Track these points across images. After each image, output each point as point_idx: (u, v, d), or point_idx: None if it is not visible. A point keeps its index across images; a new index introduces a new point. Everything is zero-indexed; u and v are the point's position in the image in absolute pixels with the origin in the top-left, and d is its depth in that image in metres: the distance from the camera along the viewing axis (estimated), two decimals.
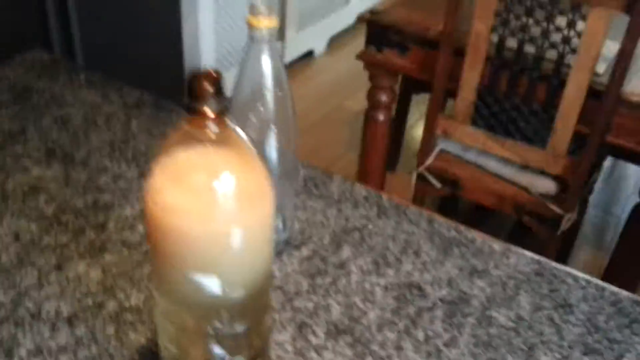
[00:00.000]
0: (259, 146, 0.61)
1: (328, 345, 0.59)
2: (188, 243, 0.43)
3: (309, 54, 2.82)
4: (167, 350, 0.51)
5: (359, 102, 2.61)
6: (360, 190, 0.77)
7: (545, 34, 1.27)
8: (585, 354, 0.59)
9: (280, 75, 0.58)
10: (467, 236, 0.72)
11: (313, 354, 0.57)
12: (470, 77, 1.39)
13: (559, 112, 1.32)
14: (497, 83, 1.40)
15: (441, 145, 1.56)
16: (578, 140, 1.36)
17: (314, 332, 0.60)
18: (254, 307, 0.48)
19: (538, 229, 1.50)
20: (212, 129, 0.41)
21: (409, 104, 2.15)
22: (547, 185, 1.46)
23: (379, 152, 1.73)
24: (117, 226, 0.69)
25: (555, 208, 1.44)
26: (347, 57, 2.86)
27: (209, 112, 0.40)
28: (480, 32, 1.33)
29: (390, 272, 0.67)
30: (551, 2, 1.24)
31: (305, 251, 0.69)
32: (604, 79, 1.28)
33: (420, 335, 0.60)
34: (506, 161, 1.49)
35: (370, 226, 0.73)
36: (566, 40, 1.25)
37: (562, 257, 1.81)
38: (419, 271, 0.67)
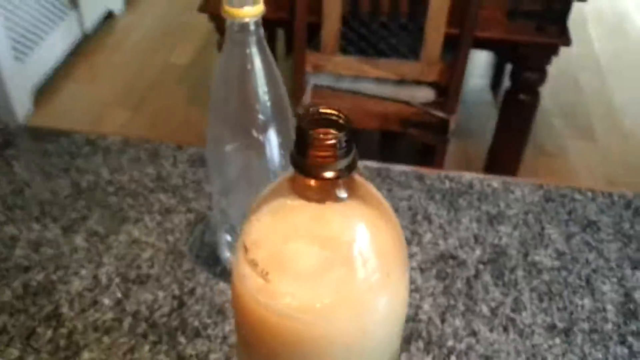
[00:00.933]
0: (260, 149, 0.48)
1: (402, 358, 0.51)
2: (312, 347, 0.31)
3: (109, 16, 2.51)
4: None
5: (185, 56, 2.41)
6: None
7: None
8: (635, 268, 0.59)
9: (272, 68, 0.46)
10: (461, 181, 0.67)
11: None
12: (332, 5, 1.31)
13: (427, 20, 1.30)
14: (359, 5, 1.33)
15: (312, 81, 1.48)
16: (447, 43, 1.36)
17: None
18: None
19: (427, 137, 1.52)
20: (339, 194, 0.29)
21: (274, 49, 2.02)
22: (426, 94, 1.46)
23: None
24: (75, 309, 0.53)
25: (439, 113, 1.45)
26: (150, 12, 2.60)
27: (334, 176, 0.28)
28: None
29: (415, 249, 0.60)
30: None
31: None
32: None
33: (485, 309, 0.55)
34: (382, 80, 1.46)
35: None
36: None
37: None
38: (442, 238, 0.61)
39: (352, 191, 0.30)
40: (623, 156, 2.02)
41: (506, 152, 1.60)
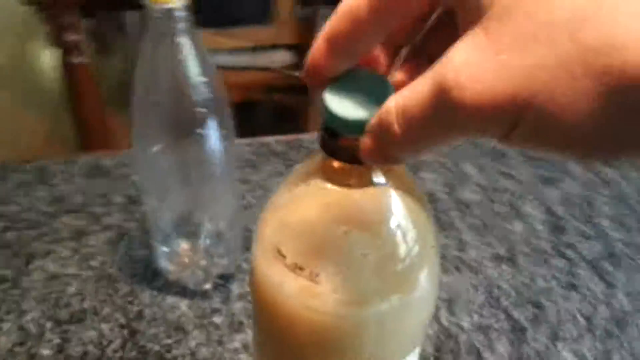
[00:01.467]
0: (198, 145, 0.44)
1: None
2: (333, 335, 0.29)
3: None
4: None
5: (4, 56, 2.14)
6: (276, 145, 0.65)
7: None
8: (546, 183, 0.63)
9: (205, 56, 0.41)
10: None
11: None
12: None
13: None
14: None
15: None
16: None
17: None
18: None
19: (292, 101, 1.51)
20: (376, 178, 0.27)
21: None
22: (284, 57, 1.45)
23: (94, 97, 1.47)
24: None
25: (299, 74, 1.45)
26: None
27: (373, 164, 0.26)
28: None
29: None
30: None
31: None
32: None
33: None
34: (237, 50, 1.42)
35: None
36: None
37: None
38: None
39: (387, 172, 0.28)
40: None
41: None
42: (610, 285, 0.52)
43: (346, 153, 0.26)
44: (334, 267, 0.28)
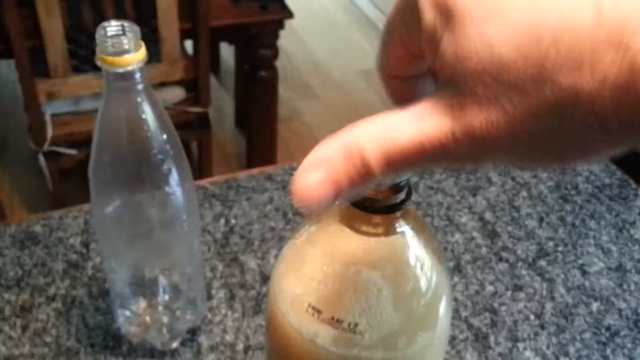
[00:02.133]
0: (162, 200, 0.43)
1: None
2: None
3: None
4: None
5: None
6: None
7: None
8: (474, 195, 0.68)
9: (162, 112, 0.41)
10: None
11: None
12: (51, 24, 1.17)
13: (159, 21, 1.26)
14: (81, 19, 1.22)
15: (49, 110, 1.32)
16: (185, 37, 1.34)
17: None
18: None
19: (191, 136, 1.49)
20: (399, 227, 0.28)
21: None
22: (176, 93, 1.43)
23: None
24: None
25: (196, 109, 1.44)
26: None
27: (398, 209, 0.27)
28: None
29: None
30: None
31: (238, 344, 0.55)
32: None
33: None
34: None
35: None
36: None
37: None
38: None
39: (407, 219, 0.29)
40: (343, 102, 2.25)
41: (263, 128, 1.65)
42: (550, 281, 0.58)
43: (373, 204, 0.27)
44: (369, 315, 0.29)
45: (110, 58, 0.36)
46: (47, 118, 1.31)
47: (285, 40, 2.52)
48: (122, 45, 0.36)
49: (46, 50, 1.20)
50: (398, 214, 0.28)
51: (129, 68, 0.37)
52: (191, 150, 1.73)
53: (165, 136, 0.41)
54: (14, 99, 1.42)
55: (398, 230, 0.29)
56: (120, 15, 1.24)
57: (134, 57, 0.37)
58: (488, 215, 0.65)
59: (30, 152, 1.47)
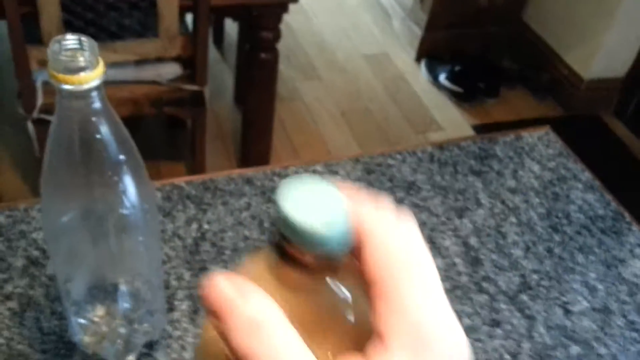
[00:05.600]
0: (115, 208, 0.40)
1: None
2: None
3: None
4: None
5: None
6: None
7: None
8: (460, 216, 0.65)
9: (119, 128, 0.38)
10: (288, 173, 0.66)
11: None
12: None
13: None
14: None
15: (41, 78, 1.29)
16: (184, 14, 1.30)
17: None
18: None
19: (184, 113, 1.46)
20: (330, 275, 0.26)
21: None
22: (173, 69, 1.39)
23: None
24: None
25: (190, 87, 1.40)
26: None
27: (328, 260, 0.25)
28: None
29: None
30: None
31: None
32: None
33: None
34: (121, 64, 1.34)
35: None
36: None
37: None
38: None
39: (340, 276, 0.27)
40: (345, 86, 2.21)
41: (260, 109, 1.62)
42: (530, 318, 0.55)
43: (299, 261, 0.25)
44: None
45: (63, 76, 0.33)
46: (38, 85, 1.28)
47: (292, 18, 2.48)
48: (77, 62, 0.33)
49: (40, 18, 1.16)
50: (326, 272, 0.26)
51: (85, 87, 0.34)
52: (186, 126, 1.70)
53: (121, 156, 0.38)
54: (10, 61, 1.38)
55: (328, 284, 0.27)
56: None
57: (91, 75, 0.34)
58: (473, 241, 0.62)
59: (20, 116, 1.44)
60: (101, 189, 0.39)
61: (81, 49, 0.34)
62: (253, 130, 1.67)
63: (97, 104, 0.35)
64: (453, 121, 2.13)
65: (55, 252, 0.44)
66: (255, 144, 1.70)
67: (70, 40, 0.34)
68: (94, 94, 0.35)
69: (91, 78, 0.34)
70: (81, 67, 0.34)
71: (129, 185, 0.39)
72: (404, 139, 2.02)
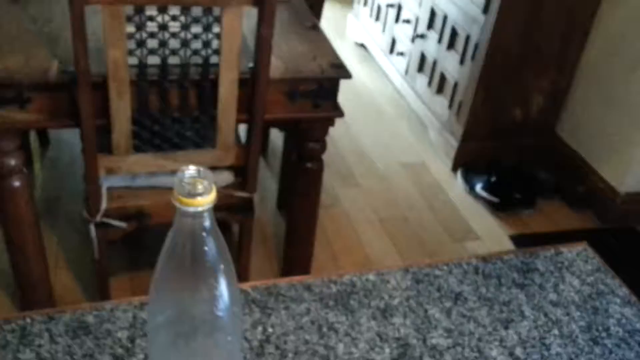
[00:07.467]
0: (214, 304, 0.47)
1: None
2: None
3: None
4: None
5: None
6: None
7: (186, 43, 1.24)
8: (506, 327, 0.69)
9: (225, 253, 0.45)
10: (344, 281, 0.72)
11: None
12: (120, 107, 1.27)
13: (219, 111, 1.34)
14: (148, 104, 1.31)
15: (106, 183, 1.40)
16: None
17: None
18: None
19: (235, 219, 1.55)
20: None
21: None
22: (225, 177, 1.49)
23: (31, 221, 1.44)
24: None
25: (242, 194, 1.49)
26: None
27: None
28: (117, 59, 1.20)
29: None
30: (182, 12, 1.21)
31: None
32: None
33: None
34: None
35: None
36: (206, 44, 1.25)
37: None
38: (353, 345, 0.65)
39: None
40: (383, 194, 2.29)
41: (303, 216, 1.70)
42: None
43: None
44: None
45: (184, 199, 0.41)
46: (104, 191, 1.39)
47: (333, 126, 2.62)
48: (197, 189, 0.41)
49: (112, 130, 1.29)
50: None
51: (200, 209, 0.41)
52: (232, 230, 1.78)
53: (221, 265, 0.45)
54: (72, 162, 1.49)
55: None
56: (183, 103, 1.33)
57: (207, 199, 0.41)
58: (518, 351, 0.66)
59: (82, 218, 1.54)
60: (201, 292, 0.45)
61: (199, 177, 0.42)
62: (297, 236, 1.74)
63: (207, 222, 0.43)
64: (490, 230, 2.17)
65: (153, 349, 0.50)
66: (298, 249, 1.77)
67: (191, 170, 0.42)
68: (206, 214, 0.42)
69: (207, 202, 0.41)
70: (199, 193, 0.41)
71: (224, 290, 0.46)
72: (442, 247, 2.07)
